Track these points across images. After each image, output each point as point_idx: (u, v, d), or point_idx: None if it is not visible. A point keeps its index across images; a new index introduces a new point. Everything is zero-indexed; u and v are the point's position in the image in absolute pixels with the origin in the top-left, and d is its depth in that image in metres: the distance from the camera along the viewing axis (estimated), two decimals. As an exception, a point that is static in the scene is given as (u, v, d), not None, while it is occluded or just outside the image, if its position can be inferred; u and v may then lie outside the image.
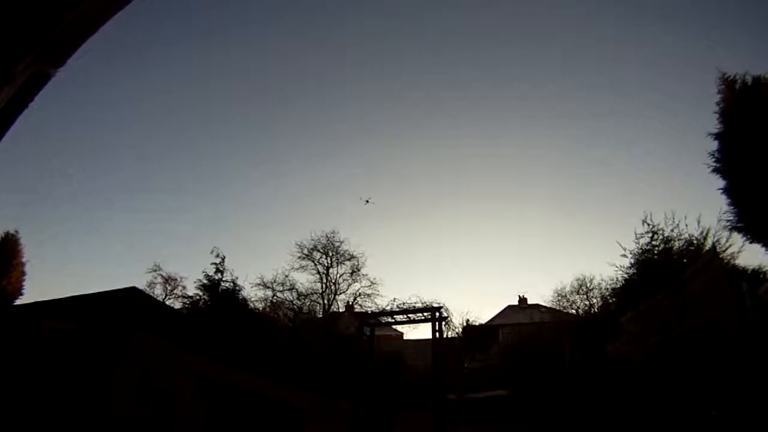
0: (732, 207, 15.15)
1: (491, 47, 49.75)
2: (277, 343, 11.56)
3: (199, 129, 50.51)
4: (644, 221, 18.43)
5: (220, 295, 12.39)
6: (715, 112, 15.73)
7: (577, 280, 28.06)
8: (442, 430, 13.80)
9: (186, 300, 13.33)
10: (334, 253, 24.23)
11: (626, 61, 46.53)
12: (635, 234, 18.70)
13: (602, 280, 26.14)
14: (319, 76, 51.17)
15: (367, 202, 27.41)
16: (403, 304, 16.29)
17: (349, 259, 24.45)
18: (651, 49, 44.21)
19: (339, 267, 24.22)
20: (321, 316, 22.00)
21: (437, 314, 15.75)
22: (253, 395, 7.39)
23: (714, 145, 15.57)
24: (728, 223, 15.48)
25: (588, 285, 27.31)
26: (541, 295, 47.42)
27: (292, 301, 21.55)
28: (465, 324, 30.32)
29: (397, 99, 52.38)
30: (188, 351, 6.35)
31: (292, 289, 22.25)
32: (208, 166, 52.40)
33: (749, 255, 25.28)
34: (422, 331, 30.17)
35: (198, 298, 12.73)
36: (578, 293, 27.69)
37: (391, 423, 13.98)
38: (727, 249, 15.60)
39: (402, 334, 31.41)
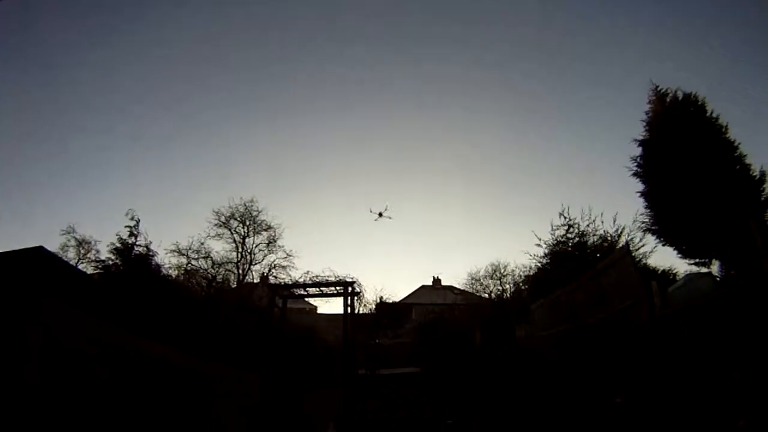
0: (648, 210, 16.07)
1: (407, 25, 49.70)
2: (190, 312, 10.89)
3: (121, 88, 46.53)
4: (561, 214, 18.92)
5: (133, 261, 11.65)
6: (643, 121, 16.60)
7: (492, 265, 28.98)
8: (352, 404, 13.65)
9: (98, 264, 12.32)
10: (251, 223, 23.31)
11: (563, 62, 48.34)
12: (552, 225, 19.17)
13: (516, 267, 27.19)
14: (246, 43, 49.02)
15: (380, 215, 26.35)
16: (317, 277, 15.93)
17: (266, 230, 23.59)
18: (587, 51, 46.18)
19: (255, 237, 23.34)
20: (235, 286, 21.19)
21: (350, 289, 15.57)
22: (164, 364, 6.90)
23: (637, 150, 16.43)
24: (643, 225, 16.43)
25: (502, 271, 28.30)
26: (455, 277, 49.03)
27: (206, 270, 20.65)
28: (379, 301, 30.53)
29: (319, 71, 51.34)
30: (98, 318, 5.65)
31: (207, 257, 21.34)
32: (131, 129, 48.62)
33: (661, 256, 27.44)
34: (336, 306, 29.99)
35: (110, 262, 11.87)
36: (492, 278, 28.62)
37: (301, 396, 13.65)
38: (639, 248, 16.51)
39: (316, 308, 31.08)
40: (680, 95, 15.90)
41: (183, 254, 20.62)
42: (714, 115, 15.24)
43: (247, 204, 23.44)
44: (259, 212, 23.53)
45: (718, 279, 12.61)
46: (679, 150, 14.55)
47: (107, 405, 5.58)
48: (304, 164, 55.95)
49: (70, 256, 20.48)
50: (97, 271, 12.24)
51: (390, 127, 55.90)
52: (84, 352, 5.32)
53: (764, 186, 14.29)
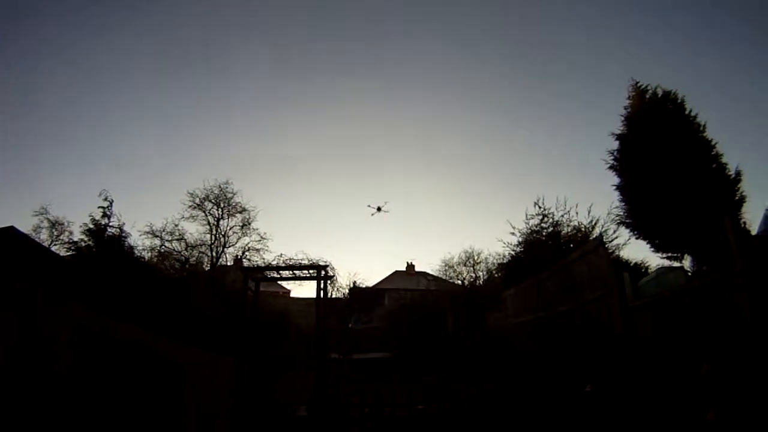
0: (623, 203, 16.34)
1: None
2: (163, 295, 10.70)
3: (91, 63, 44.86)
4: (536, 203, 19.12)
5: (105, 242, 11.37)
6: (621, 115, 16.81)
7: (465, 252, 29.31)
8: (323, 388, 13.64)
9: (71, 246, 12.01)
10: (225, 205, 22.99)
11: (542, 54, 48.58)
12: (526, 214, 19.37)
13: (489, 254, 27.60)
14: (222, 23, 47.81)
15: (379, 209, 26.21)
16: (290, 260, 15.84)
17: (240, 212, 23.31)
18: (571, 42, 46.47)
19: (230, 219, 23.06)
20: (208, 268, 20.93)
21: (323, 272, 15.48)
22: (135, 347, 6.76)
23: (615, 144, 16.66)
24: (617, 217, 16.71)
25: (475, 258, 28.65)
26: (429, 263, 49.41)
27: (180, 252, 20.37)
28: (352, 285, 30.56)
29: (297, 54, 50.53)
30: (69, 300, 5.46)
31: (181, 239, 21.14)
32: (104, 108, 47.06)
33: (634, 249, 28.16)
34: (309, 290, 29.87)
35: (83, 244, 11.58)
36: (465, 265, 28.97)
37: (274, 380, 13.59)
38: (613, 240, 16.83)
39: (289, 291, 30.95)
40: (660, 92, 16.12)
41: (157, 236, 20.33)
42: (692, 113, 15.50)
43: (222, 186, 23.11)
44: (234, 194, 23.23)
45: (689, 274, 12.94)
46: (655, 146, 14.78)
47: (77, 390, 5.42)
48: (280, 148, 55.34)
49: (43, 237, 20.01)
50: (70, 252, 11.93)
51: (365, 113, 55.52)
52: (56, 336, 5.14)
53: (739, 185, 14.64)
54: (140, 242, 18.69)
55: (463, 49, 49.83)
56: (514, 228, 19.55)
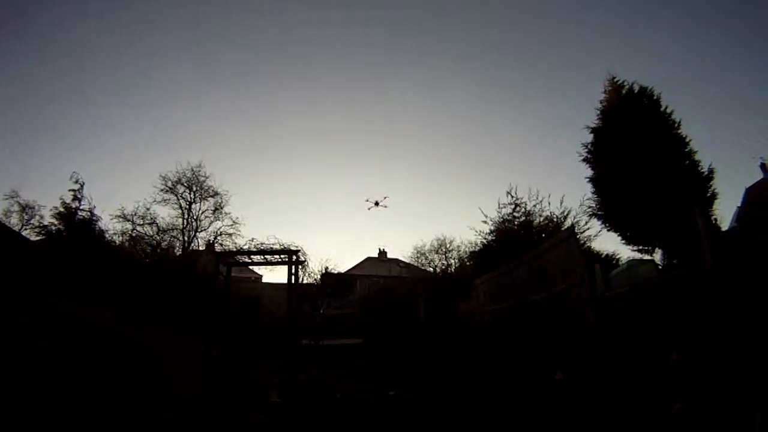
0: (595, 195, 16.66)
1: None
2: (134, 280, 10.48)
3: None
4: (509, 192, 19.35)
5: (76, 226, 11.04)
6: (597, 109, 17.08)
7: (438, 239, 29.39)
8: (294, 374, 13.60)
9: (41, 230, 11.66)
10: (198, 188, 22.52)
11: (520, 44, 48.76)
12: (499, 203, 19.62)
13: (462, 242, 27.70)
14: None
15: (377, 204, 25.94)
16: (261, 244, 15.67)
17: (212, 196, 22.90)
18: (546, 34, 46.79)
19: (202, 203, 22.64)
20: (180, 253, 20.56)
21: (294, 257, 15.35)
22: (106, 333, 6.62)
23: (589, 137, 16.91)
24: (589, 209, 17.05)
25: (447, 246, 28.74)
26: (401, 250, 49.59)
27: (152, 236, 19.95)
28: (324, 271, 30.46)
29: (269, 36, 49.68)
30: (40, 286, 5.28)
31: (152, 223, 20.71)
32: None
33: (606, 241, 28.83)
34: (281, 275, 29.65)
35: (53, 228, 11.23)
36: (437, 252, 29.03)
37: (246, 365, 13.50)
38: (585, 231, 17.17)
39: (261, 276, 30.68)
40: (636, 88, 16.46)
41: (128, 220, 19.87)
42: (668, 110, 15.86)
43: (194, 169, 22.62)
44: (207, 178, 22.78)
45: (660, 267, 13.28)
46: (630, 140, 15.08)
47: (48, 376, 5.27)
48: (252, 130, 54.49)
49: (14, 222, 19.36)
50: (40, 237, 11.58)
51: (337, 97, 55.11)
52: (25, 323, 4.97)
53: (711, 183, 15.09)
54: (111, 226, 18.30)
55: (436, 32, 49.75)
56: (486, 216, 19.77)
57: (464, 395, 11.45)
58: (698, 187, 14.73)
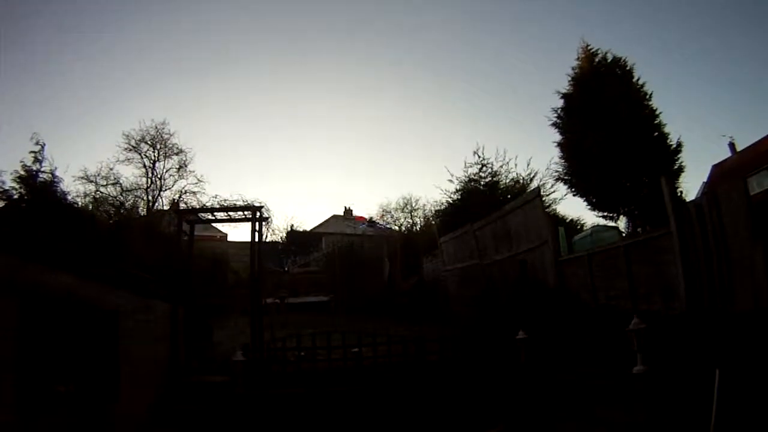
0: (563, 160, 16.79)
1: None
2: (97, 242, 10.14)
3: None
4: (476, 152, 19.40)
5: (37, 188, 10.51)
6: (568, 75, 17.01)
7: (403, 198, 29.34)
8: (259, 333, 13.53)
9: (2, 194, 11.12)
10: (162, 146, 21.60)
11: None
12: (465, 163, 19.66)
13: (427, 201, 27.75)
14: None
15: None
16: (225, 201, 15.29)
17: (177, 154, 22.00)
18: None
19: (166, 161, 21.76)
20: (144, 213, 19.89)
21: (258, 214, 15.06)
22: (68, 296, 6.43)
23: (559, 102, 16.90)
24: (556, 173, 17.22)
25: (413, 204, 28.77)
26: (367, 208, 49.52)
27: (115, 197, 19.16)
28: (289, 229, 30.15)
29: None
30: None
31: (116, 183, 19.77)
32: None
33: (571, 206, 29.42)
34: (246, 233, 29.22)
35: (14, 192, 10.68)
36: (403, 211, 29.06)
37: (211, 325, 13.35)
38: (550, 194, 17.41)
39: (226, 235, 30.19)
40: (609, 57, 16.45)
41: (91, 181, 18.99)
42: (640, 81, 15.98)
43: (158, 126, 21.59)
44: (171, 135, 21.86)
45: (623, 234, 13.60)
46: (600, 108, 15.16)
47: (12, 343, 5.11)
48: (217, 85, 52.55)
49: None
50: (1, 201, 11.09)
51: (300, 48, 53.41)
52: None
53: (679, 156, 15.44)
54: (74, 188, 17.50)
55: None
56: (452, 175, 19.77)
57: (427, 352, 11.66)
58: (666, 159, 15.02)
